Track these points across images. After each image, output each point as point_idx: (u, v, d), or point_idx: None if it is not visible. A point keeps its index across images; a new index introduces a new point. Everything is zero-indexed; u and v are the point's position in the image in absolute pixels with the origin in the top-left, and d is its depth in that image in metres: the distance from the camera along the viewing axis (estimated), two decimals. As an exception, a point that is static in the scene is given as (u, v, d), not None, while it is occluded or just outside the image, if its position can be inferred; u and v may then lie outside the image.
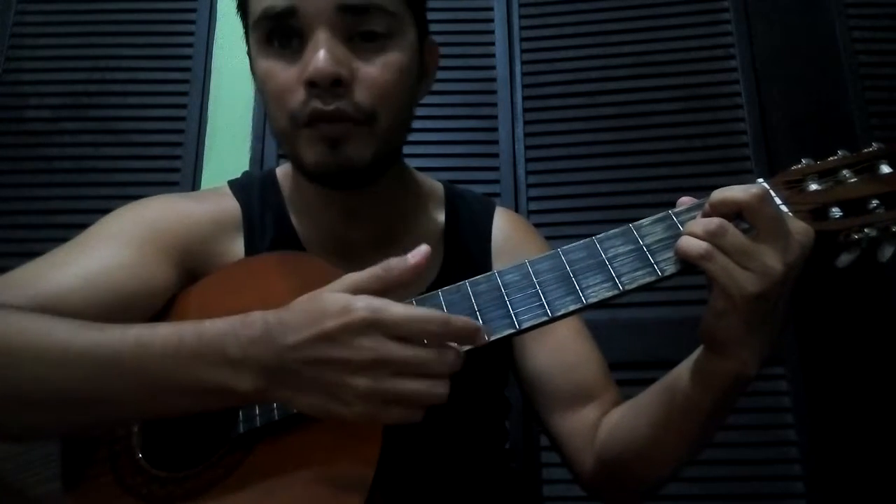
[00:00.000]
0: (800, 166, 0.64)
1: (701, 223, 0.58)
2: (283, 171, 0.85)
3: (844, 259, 0.62)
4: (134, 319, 0.66)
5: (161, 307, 0.73)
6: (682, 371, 0.67)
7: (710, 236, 0.57)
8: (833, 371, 1.56)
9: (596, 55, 1.81)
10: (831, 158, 0.64)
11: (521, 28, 1.85)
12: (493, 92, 1.80)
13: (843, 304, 1.61)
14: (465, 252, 0.82)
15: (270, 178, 0.84)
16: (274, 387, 0.56)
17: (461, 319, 0.56)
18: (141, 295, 0.71)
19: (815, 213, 0.61)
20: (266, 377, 0.56)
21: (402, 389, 0.53)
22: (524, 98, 1.79)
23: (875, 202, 0.60)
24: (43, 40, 1.89)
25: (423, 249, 0.58)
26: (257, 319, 0.56)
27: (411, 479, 0.68)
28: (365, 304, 0.53)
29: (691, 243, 0.58)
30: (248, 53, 0.76)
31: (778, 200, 0.61)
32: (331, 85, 0.65)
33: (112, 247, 0.72)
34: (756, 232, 0.57)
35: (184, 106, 1.85)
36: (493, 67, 1.82)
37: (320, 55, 0.65)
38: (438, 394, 0.54)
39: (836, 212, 0.61)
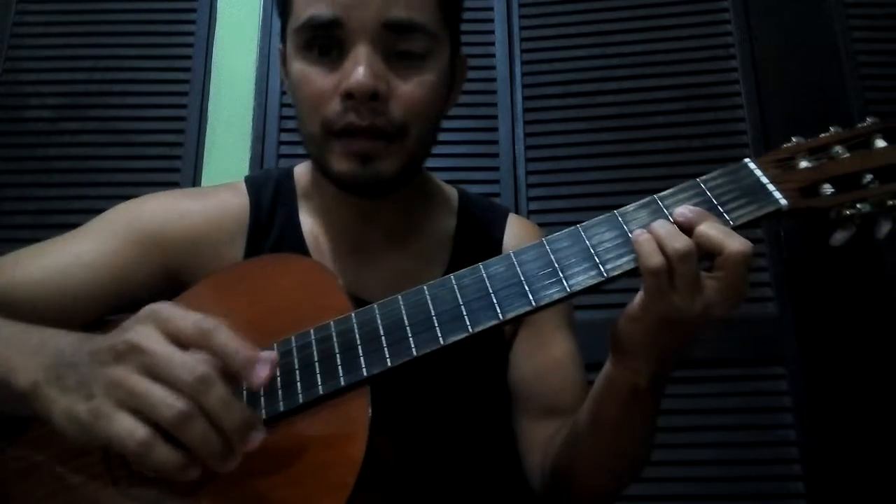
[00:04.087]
0: (790, 144, 0.62)
1: (671, 237, 0.56)
2: (301, 169, 0.85)
3: (839, 237, 0.59)
4: (100, 313, 0.73)
5: (125, 301, 0.75)
6: (595, 384, 0.67)
7: (675, 256, 0.55)
8: (833, 371, 1.56)
9: (596, 55, 1.82)
10: (823, 135, 0.62)
11: (521, 28, 1.85)
12: (493, 92, 1.80)
13: (843, 304, 1.61)
14: (472, 257, 0.82)
15: (287, 176, 0.85)
16: (46, 385, 0.55)
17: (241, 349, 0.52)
18: (112, 292, 0.74)
19: (805, 190, 0.59)
20: (44, 371, 0.55)
21: (141, 389, 0.50)
22: (524, 98, 1.80)
23: (869, 177, 0.58)
24: (43, 40, 1.90)
25: (270, 364, 0.54)
26: (66, 339, 0.57)
27: (413, 477, 0.68)
28: (154, 307, 0.53)
29: (651, 253, 0.56)
30: (282, 51, 0.77)
31: (765, 180, 0.60)
32: (368, 99, 0.67)
33: (96, 243, 0.76)
34: (716, 280, 0.56)
35: (184, 106, 1.85)
36: (493, 67, 1.82)
37: (360, 69, 0.66)
38: (169, 405, 0.49)
39: (827, 188, 0.59)
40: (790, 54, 1.78)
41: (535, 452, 0.79)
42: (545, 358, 0.81)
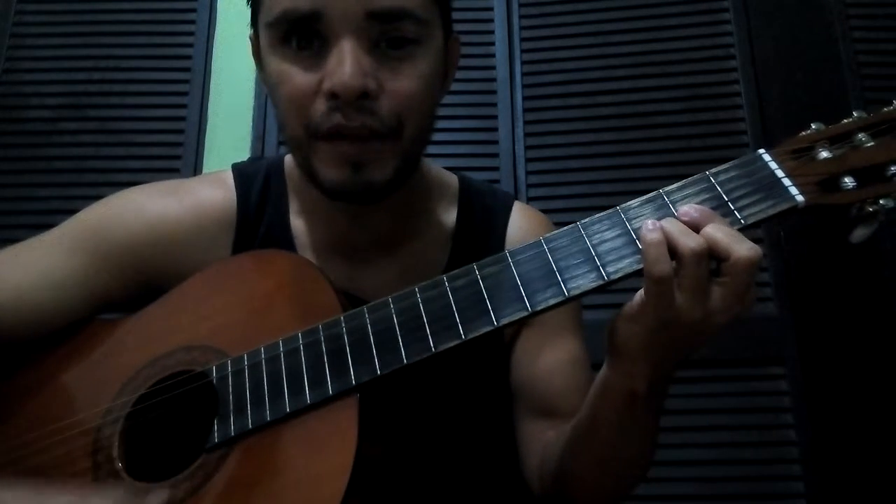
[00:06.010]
0: (808, 132, 0.57)
1: (684, 234, 0.52)
2: (291, 160, 0.79)
3: (860, 234, 0.54)
4: (74, 321, 0.73)
5: (101, 309, 0.75)
6: (592, 387, 0.64)
7: (688, 255, 0.51)
8: (833, 371, 1.56)
9: (596, 55, 1.81)
10: (846, 121, 0.56)
11: (521, 28, 1.85)
12: (493, 92, 1.80)
13: (843, 304, 1.61)
14: (475, 252, 0.77)
15: (277, 168, 0.80)
16: None
17: None
18: (89, 305, 0.74)
19: (824, 184, 0.53)
20: None
21: None
22: (524, 98, 1.80)
23: (895, 168, 0.53)
24: (43, 40, 1.89)
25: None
26: None
27: (407, 483, 0.67)
28: None
29: (659, 260, 0.52)
30: (254, 45, 0.71)
31: (780, 173, 0.55)
32: (356, 99, 0.61)
33: (62, 253, 0.74)
34: (722, 286, 0.52)
35: (184, 106, 1.84)
36: (493, 67, 1.82)
37: (346, 67, 0.60)
38: None
39: (848, 182, 0.53)
40: (790, 54, 1.78)
41: (534, 455, 0.76)
42: (548, 360, 0.77)
